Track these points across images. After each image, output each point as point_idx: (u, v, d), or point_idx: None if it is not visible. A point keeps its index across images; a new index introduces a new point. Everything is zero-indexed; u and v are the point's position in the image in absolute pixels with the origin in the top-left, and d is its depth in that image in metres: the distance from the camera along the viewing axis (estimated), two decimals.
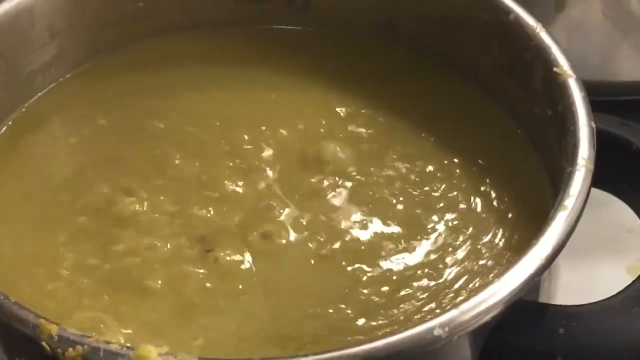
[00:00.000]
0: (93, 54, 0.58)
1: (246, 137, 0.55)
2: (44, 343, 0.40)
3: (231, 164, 0.54)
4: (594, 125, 0.49)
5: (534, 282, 0.43)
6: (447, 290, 0.48)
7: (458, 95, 0.58)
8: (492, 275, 0.49)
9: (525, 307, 0.44)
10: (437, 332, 0.41)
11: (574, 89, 0.51)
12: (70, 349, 0.40)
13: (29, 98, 0.56)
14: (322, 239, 0.50)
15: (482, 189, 0.53)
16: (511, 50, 0.55)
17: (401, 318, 0.47)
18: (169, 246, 0.49)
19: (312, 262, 0.49)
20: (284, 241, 0.50)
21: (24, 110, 0.56)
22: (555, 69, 0.51)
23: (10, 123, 0.55)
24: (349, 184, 0.53)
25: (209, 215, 0.51)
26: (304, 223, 0.51)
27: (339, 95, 0.58)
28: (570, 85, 0.51)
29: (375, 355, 0.40)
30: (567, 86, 0.51)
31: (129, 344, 0.40)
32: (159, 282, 0.48)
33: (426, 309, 0.47)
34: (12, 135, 0.55)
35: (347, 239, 0.50)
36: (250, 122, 0.56)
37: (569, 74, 0.51)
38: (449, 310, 0.41)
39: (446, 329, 0.41)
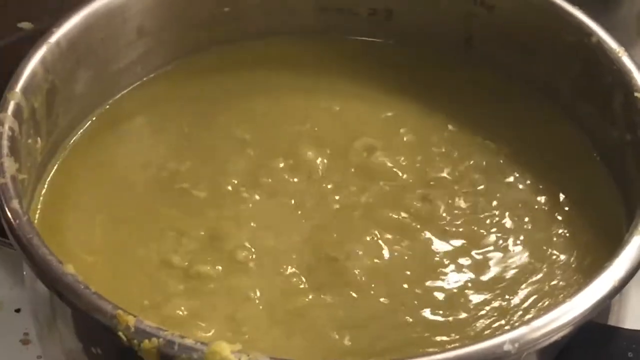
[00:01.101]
0: (178, 55, 0.60)
1: (319, 144, 0.56)
2: (120, 334, 0.41)
3: (308, 168, 0.54)
4: None
5: (605, 304, 0.43)
6: (517, 309, 0.49)
7: (535, 115, 0.58)
8: (561, 296, 0.49)
9: (595, 329, 0.44)
10: (507, 347, 0.41)
11: None
12: (146, 341, 0.40)
13: (114, 95, 0.58)
14: (394, 260, 0.50)
15: (556, 210, 0.53)
16: (592, 72, 0.55)
17: (472, 334, 0.47)
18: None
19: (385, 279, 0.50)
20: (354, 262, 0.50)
21: (107, 106, 0.57)
22: (636, 94, 0.51)
23: (94, 118, 0.57)
24: (421, 202, 0.53)
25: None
26: (373, 240, 0.51)
27: (415, 108, 0.58)
28: None
29: None
30: None
31: (203, 340, 0.41)
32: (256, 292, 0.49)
33: (495, 325, 0.48)
34: (96, 129, 0.56)
35: (425, 262, 0.50)
36: (327, 129, 0.57)
37: None
38: (519, 326, 0.42)
39: (516, 345, 0.41)
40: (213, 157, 0.55)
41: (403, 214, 0.52)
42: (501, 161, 0.55)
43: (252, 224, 0.52)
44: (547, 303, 0.49)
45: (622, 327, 0.46)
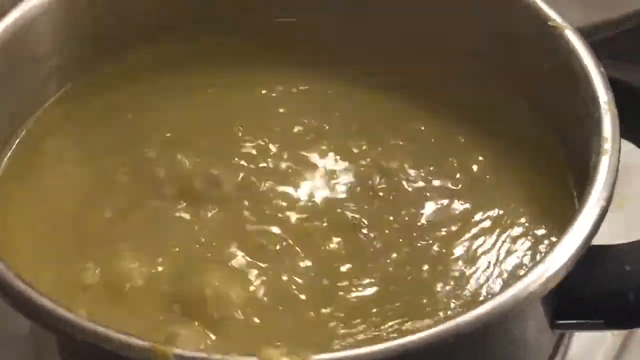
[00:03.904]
0: (92, 63, 0.58)
1: (247, 133, 0.56)
2: None
3: (233, 161, 0.54)
4: (603, 70, 0.51)
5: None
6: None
7: (485, 88, 0.58)
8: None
9: (587, 252, 0.44)
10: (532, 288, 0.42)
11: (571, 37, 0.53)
12: None
13: (37, 108, 0.56)
14: (372, 238, 0.51)
15: (517, 188, 0.53)
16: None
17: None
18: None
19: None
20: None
21: (35, 119, 0.56)
22: (549, 23, 0.53)
23: (17, 140, 0.55)
24: (378, 186, 0.53)
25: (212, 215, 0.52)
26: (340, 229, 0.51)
27: (340, 91, 0.59)
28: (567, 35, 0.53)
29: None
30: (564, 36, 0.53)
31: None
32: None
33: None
34: (21, 151, 0.55)
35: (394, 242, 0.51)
36: (254, 117, 0.57)
37: (564, 26, 0.53)
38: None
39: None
40: (144, 164, 0.54)
41: (365, 204, 0.52)
42: (462, 141, 0.55)
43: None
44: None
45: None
